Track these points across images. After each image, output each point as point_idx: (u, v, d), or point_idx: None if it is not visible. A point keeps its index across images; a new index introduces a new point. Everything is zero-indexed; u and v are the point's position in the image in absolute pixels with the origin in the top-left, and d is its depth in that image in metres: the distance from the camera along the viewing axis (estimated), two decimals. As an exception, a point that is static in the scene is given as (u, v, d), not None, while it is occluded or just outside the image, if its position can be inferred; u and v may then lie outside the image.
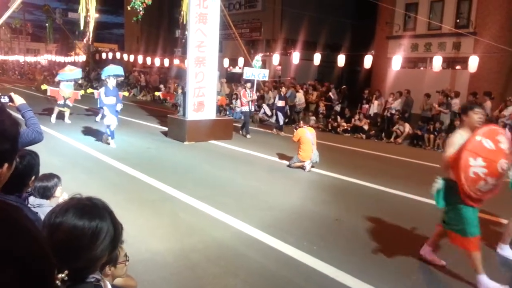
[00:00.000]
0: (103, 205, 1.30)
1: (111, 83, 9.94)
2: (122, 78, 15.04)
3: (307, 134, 8.50)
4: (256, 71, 14.23)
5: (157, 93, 20.70)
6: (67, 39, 41.33)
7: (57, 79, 13.36)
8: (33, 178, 2.50)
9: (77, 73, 13.55)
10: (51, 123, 12.45)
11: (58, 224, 1.17)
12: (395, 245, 4.91)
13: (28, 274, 0.63)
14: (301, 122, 9.06)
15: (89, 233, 1.19)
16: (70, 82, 13.08)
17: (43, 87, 13.36)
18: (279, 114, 14.07)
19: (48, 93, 13.18)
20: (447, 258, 4.56)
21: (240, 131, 12.70)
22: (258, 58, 14.52)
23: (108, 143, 9.81)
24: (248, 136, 12.41)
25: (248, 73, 13.97)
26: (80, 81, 14.03)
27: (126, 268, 2.45)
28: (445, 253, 4.79)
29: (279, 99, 14.32)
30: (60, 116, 13.16)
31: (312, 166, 8.40)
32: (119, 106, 10.06)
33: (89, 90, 14.21)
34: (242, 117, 13.90)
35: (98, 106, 9.93)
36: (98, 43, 44.18)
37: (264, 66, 22.52)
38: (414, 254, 4.70)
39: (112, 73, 13.66)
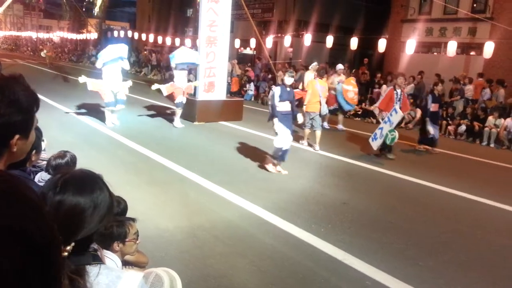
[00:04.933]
0: (98, 176, 1.30)
1: (288, 80, 6.79)
2: (196, 67, 11.07)
3: (316, 85, 8.69)
4: None
5: None
6: (79, 16, 41.25)
7: (99, 64, 9.46)
8: (34, 152, 2.53)
9: (121, 49, 9.57)
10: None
11: (59, 201, 1.16)
12: (403, 230, 4.93)
13: (33, 250, 0.58)
14: (315, 73, 9.53)
15: (92, 206, 1.20)
16: (115, 64, 9.37)
17: (82, 79, 9.28)
18: (430, 124, 9.07)
19: (90, 87, 9.43)
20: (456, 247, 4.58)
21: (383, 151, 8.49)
22: None
23: (279, 171, 6.85)
24: (391, 156, 8.38)
25: None
26: (124, 63, 9.67)
27: (136, 246, 2.48)
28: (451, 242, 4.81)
29: (433, 101, 9.14)
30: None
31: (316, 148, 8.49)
32: (300, 118, 6.99)
33: (154, 86, 10.11)
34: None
35: (270, 114, 6.87)
36: (109, 21, 44.00)
37: (275, 47, 22.39)
38: (422, 239, 4.72)
39: (185, 60, 10.17)
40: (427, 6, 18.38)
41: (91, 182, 1.26)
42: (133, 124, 9.99)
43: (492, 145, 10.84)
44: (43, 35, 47.21)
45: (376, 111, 10.86)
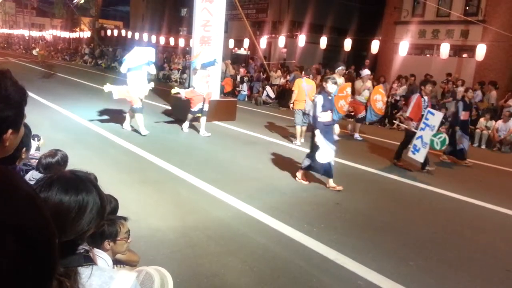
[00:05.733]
0: (87, 177, 1.30)
1: (331, 88, 6.14)
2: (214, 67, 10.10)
3: (303, 84, 9.08)
4: None
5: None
6: (72, 14, 41.05)
7: (124, 69, 8.78)
8: (24, 149, 2.52)
9: (149, 53, 8.93)
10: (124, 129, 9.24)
11: (43, 199, 1.14)
12: (394, 230, 4.96)
13: (30, 244, 0.57)
14: (303, 72, 9.66)
15: (76, 207, 1.20)
16: (141, 71, 8.76)
17: (107, 88, 8.74)
18: (461, 134, 8.51)
19: (116, 96, 8.73)
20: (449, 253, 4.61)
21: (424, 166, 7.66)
22: None
23: (336, 188, 6.17)
24: (429, 168, 7.66)
25: None
26: (151, 68, 9.07)
27: (127, 245, 2.47)
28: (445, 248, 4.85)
29: (464, 109, 8.54)
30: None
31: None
32: (337, 128, 6.47)
33: (174, 90, 9.81)
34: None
35: (313, 125, 6.19)
36: (103, 19, 43.79)
37: (269, 48, 22.41)
38: (414, 239, 4.75)
39: (208, 60, 9.53)
40: (420, 8, 18.52)
41: (78, 183, 1.25)
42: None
43: (483, 146, 10.93)
44: (35, 33, 46.88)
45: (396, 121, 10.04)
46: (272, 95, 16.46)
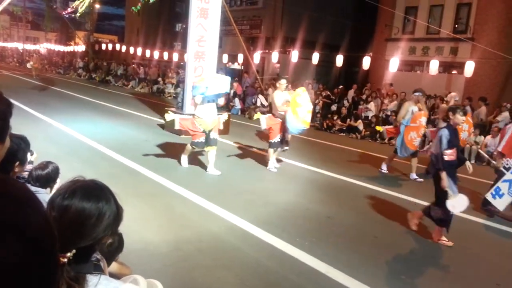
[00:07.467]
0: (106, 187, 1.39)
1: (461, 119, 5.12)
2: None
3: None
4: None
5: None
6: (67, 28, 41.17)
7: (198, 99, 7.14)
8: (17, 163, 2.51)
9: (225, 83, 7.37)
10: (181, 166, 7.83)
11: (66, 206, 1.24)
12: (386, 243, 5.01)
13: (32, 246, 0.59)
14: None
15: (96, 214, 1.27)
16: (212, 102, 7.31)
17: (169, 117, 7.57)
18: None
19: (177, 126, 7.59)
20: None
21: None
22: None
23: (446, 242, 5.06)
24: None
25: None
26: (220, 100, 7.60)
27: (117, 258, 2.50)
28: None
29: None
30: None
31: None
32: (470, 166, 5.52)
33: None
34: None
35: (432, 165, 5.10)
36: (98, 33, 43.99)
37: (263, 63, 22.63)
38: (406, 253, 4.80)
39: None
40: (410, 25, 18.89)
41: (99, 191, 1.34)
42: (118, 137, 9.97)
43: (472, 161, 11.05)
44: (29, 46, 46.89)
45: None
46: (265, 102, 16.59)
